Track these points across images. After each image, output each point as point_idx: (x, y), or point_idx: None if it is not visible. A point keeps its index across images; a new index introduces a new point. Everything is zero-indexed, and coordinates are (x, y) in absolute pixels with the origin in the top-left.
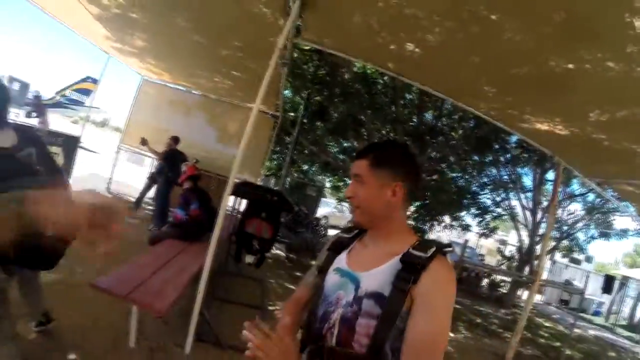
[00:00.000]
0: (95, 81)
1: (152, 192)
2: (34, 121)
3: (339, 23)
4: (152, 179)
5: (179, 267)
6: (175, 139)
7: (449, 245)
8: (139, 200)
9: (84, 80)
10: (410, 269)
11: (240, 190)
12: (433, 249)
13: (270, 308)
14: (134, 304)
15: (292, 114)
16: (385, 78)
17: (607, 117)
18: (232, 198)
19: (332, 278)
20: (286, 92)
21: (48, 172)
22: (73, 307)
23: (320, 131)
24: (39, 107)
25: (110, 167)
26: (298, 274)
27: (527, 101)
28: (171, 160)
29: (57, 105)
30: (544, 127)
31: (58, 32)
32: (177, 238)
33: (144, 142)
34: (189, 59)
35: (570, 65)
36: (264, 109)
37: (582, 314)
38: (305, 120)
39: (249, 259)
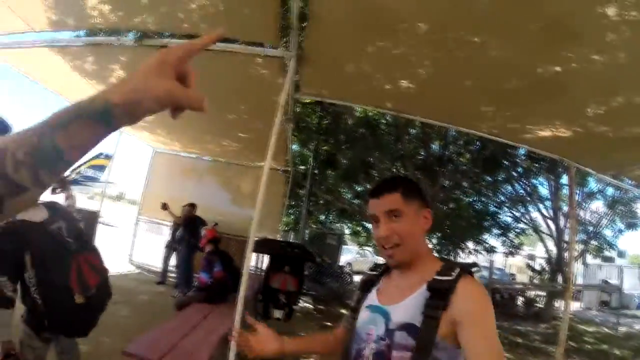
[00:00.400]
0: (108, 157)
1: (173, 261)
2: (59, 197)
3: (334, 73)
4: (170, 247)
5: (208, 330)
6: (192, 206)
7: (475, 264)
8: (164, 271)
9: (97, 156)
10: (439, 295)
11: (262, 246)
12: (457, 270)
13: None
14: None
15: (302, 167)
16: (388, 117)
17: (604, 109)
18: (254, 256)
19: (363, 315)
20: (294, 146)
21: (78, 243)
22: None
23: (332, 179)
24: (63, 183)
25: (131, 238)
26: (328, 324)
27: (525, 112)
28: (191, 226)
29: (73, 182)
30: (547, 133)
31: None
32: (203, 301)
33: (164, 206)
34: (197, 126)
35: (557, 68)
36: (275, 165)
37: (625, 311)
38: (316, 171)
39: (277, 313)
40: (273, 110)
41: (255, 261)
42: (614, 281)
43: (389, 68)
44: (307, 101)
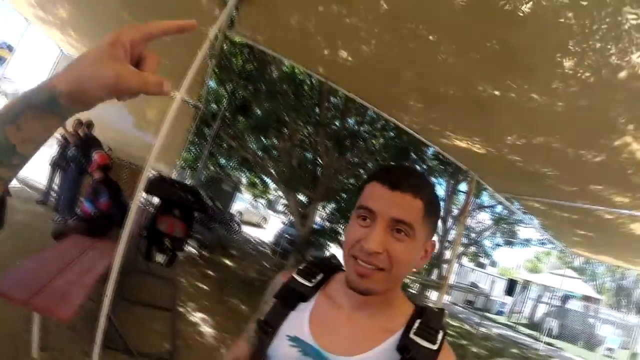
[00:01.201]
0: (10, 48)
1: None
2: None
3: (276, 21)
4: (56, 165)
5: (86, 267)
6: (89, 125)
7: (443, 312)
8: (47, 191)
9: None
10: None
11: (155, 187)
12: (440, 335)
13: (181, 310)
14: (35, 311)
15: (214, 106)
16: (313, 80)
17: (524, 142)
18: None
19: (285, 350)
20: (211, 83)
21: None
22: None
23: (242, 126)
24: None
25: None
26: (210, 272)
27: (450, 119)
28: (84, 146)
29: None
30: (462, 144)
31: None
32: (84, 234)
33: None
34: None
35: (497, 92)
36: (187, 98)
37: (486, 314)
38: (227, 114)
39: (160, 258)
40: (199, 42)
41: (147, 194)
42: (482, 285)
43: (334, 34)
44: (237, 40)
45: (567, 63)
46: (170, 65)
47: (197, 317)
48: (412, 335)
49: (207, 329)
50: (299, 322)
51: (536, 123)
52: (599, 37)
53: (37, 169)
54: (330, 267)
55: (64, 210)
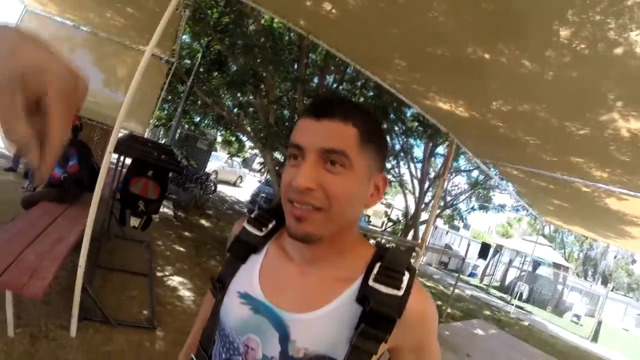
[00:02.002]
0: None
1: None
2: None
3: None
4: None
5: (57, 236)
6: None
7: (412, 248)
8: (16, 159)
9: None
10: (378, 319)
11: (125, 147)
12: (406, 278)
13: (158, 274)
14: (7, 289)
15: (188, 61)
16: (292, 35)
17: (509, 109)
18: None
19: (236, 308)
20: (184, 37)
21: None
22: None
23: (217, 82)
24: None
25: None
26: (187, 234)
27: (435, 80)
28: None
29: None
30: (445, 106)
31: None
32: (54, 200)
33: None
34: None
35: (487, 55)
36: (158, 53)
37: (460, 276)
38: (201, 70)
39: (134, 221)
40: None
41: (118, 157)
42: (455, 247)
43: None
44: None
45: (563, 32)
46: (140, 17)
47: (175, 281)
48: (371, 283)
49: (185, 293)
50: (249, 276)
51: (524, 90)
52: (600, 10)
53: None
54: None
55: (33, 177)
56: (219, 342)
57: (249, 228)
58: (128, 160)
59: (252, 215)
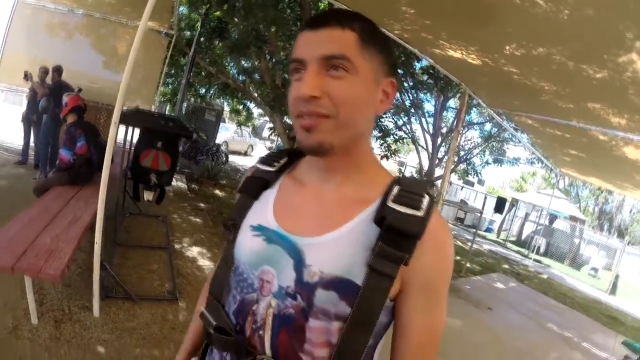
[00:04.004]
0: None
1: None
2: None
3: None
4: (28, 120)
5: (71, 218)
6: (58, 70)
7: (433, 183)
8: (25, 149)
9: None
10: (399, 239)
11: (131, 118)
12: (426, 200)
13: (176, 246)
14: (25, 274)
15: (188, 32)
16: None
17: (523, 53)
18: (123, 130)
19: (249, 241)
20: (181, 8)
21: None
22: None
23: (219, 50)
24: None
25: None
26: (202, 205)
27: (445, 26)
28: (56, 94)
29: None
30: (456, 54)
31: None
32: (65, 184)
33: (27, 76)
34: None
35: None
36: (156, 26)
37: (477, 231)
38: (202, 39)
39: (148, 195)
40: None
41: (126, 134)
42: (470, 203)
43: None
44: None
45: None
46: None
47: (193, 251)
48: (390, 203)
49: (205, 262)
50: (262, 210)
51: (538, 32)
52: None
53: (10, 129)
54: (296, 152)
55: (44, 165)
56: (233, 286)
57: (261, 167)
58: (135, 138)
59: (264, 155)
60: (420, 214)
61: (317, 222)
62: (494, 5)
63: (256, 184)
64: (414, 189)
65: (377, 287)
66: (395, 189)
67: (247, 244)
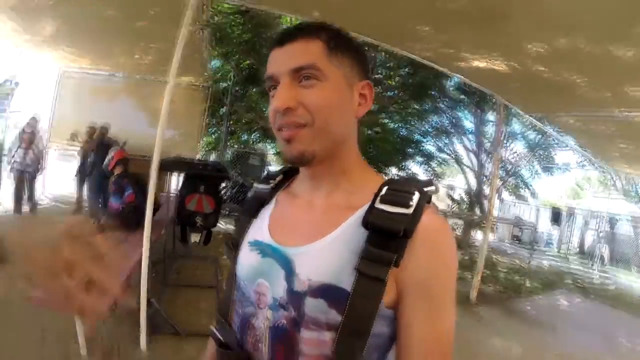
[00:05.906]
0: (16, 84)
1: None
2: None
3: None
4: (81, 174)
5: (119, 259)
6: (105, 128)
7: (430, 182)
8: (79, 201)
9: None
10: (386, 239)
11: (173, 165)
12: (416, 197)
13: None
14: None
15: (223, 84)
16: None
17: (546, 48)
18: (173, 181)
19: (246, 257)
20: (215, 62)
21: None
22: (12, 327)
23: (254, 96)
24: None
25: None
26: None
27: (464, 38)
28: (103, 151)
29: None
30: (482, 64)
31: None
32: (116, 229)
33: (74, 137)
34: (106, 38)
35: None
36: (192, 80)
37: (536, 247)
38: (237, 88)
39: (195, 237)
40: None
41: (168, 182)
42: (525, 218)
43: None
44: (229, 11)
45: None
46: (166, 49)
47: None
48: (377, 205)
49: None
50: (259, 226)
51: (557, 20)
52: None
53: (66, 184)
54: (292, 170)
55: (94, 214)
56: (237, 302)
57: (259, 186)
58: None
59: (263, 177)
60: (408, 211)
61: (307, 231)
62: (505, 4)
63: (254, 203)
64: (403, 187)
65: (368, 292)
66: (384, 190)
67: (245, 259)
